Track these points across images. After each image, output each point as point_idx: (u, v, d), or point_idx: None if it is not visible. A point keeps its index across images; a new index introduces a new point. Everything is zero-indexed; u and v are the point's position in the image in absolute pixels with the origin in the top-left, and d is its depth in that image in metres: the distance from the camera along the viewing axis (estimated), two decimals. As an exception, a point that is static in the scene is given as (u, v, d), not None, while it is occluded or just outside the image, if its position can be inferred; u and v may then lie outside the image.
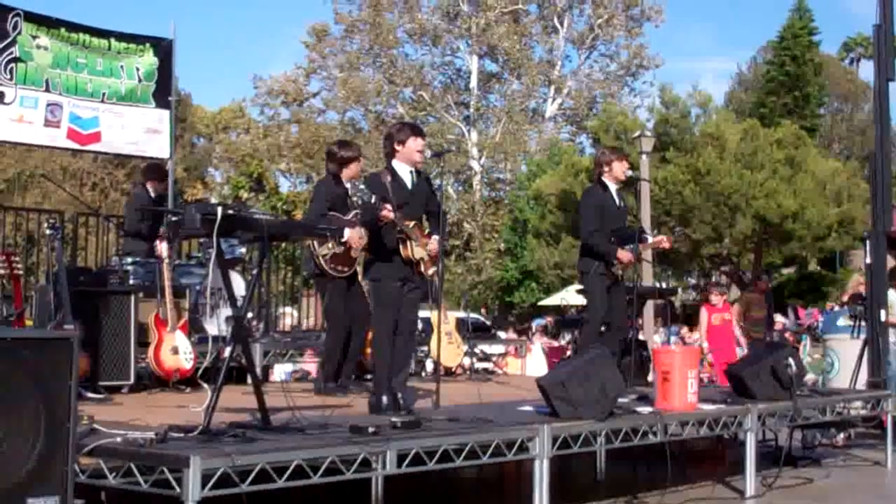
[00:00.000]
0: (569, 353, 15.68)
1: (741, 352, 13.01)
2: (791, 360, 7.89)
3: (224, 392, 5.31)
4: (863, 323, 10.46)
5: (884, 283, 10.18)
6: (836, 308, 24.65)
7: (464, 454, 5.50)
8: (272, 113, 43.89)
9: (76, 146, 10.63)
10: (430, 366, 10.69)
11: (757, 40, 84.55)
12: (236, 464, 4.45)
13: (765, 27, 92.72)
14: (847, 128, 49.17)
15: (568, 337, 18.57)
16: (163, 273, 8.31)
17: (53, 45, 9.92)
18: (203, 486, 4.32)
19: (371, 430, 5.26)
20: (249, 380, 6.32)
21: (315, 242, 7.95)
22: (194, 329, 8.93)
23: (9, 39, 9.57)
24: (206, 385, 5.65)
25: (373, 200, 6.50)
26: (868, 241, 10.18)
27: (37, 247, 12.79)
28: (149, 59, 10.66)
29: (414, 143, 6.88)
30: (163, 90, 10.74)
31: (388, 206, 6.55)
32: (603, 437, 6.34)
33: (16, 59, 9.61)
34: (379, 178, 6.83)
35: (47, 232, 7.48)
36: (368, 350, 8.06)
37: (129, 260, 9.50)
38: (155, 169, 10.73)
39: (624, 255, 8.36)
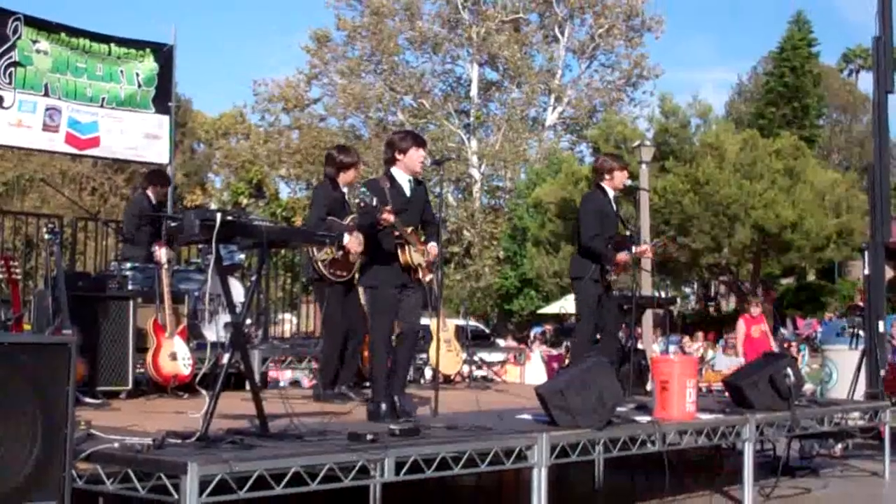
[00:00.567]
0: (567, 361, 15.67)
1: None
2: (789, 371, 7.88)
3: (222, 398, 5.30)
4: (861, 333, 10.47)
5: (882, 293, 10.19)
6: (835, 318, 24.67)
7: (462, 462, 5.48)
8: (273, 119, 43.92)
9: (74, 151, 10.65)
10: (428, 373, 10.67)
11: (757, 51, 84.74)
12: (234, 470, 4.44)
13: (765, 38, 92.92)
14: (846, 139, 49.25)
15: (567, 345, 18.55)
16: (161, 279, 8.29)
17: (53, 49, 9.93)
18: (201, 493, 4.31)
19: (369, 437, 5.25)
20: (248, 386, 6.31)
21: (314, 247, 7.94)
22: (193, 335, 8.91)
23: (9, 43, 9.57)
24: (204, 391, 5.63)
25: (374, 203, 6.50)
26: (866, 252, 10.19)
27: (35, 251, 12.78)
28: (149, 65, 10.67)
29: (416, 154, 6.88)
30: (163, 95, 10.75)
31: (387, 211, 6.55)
32: (601, 445, 6.33)
33: (15, 64, 9.62)
34: (378, 183, 6.83)
35: (46, 236, 7.46)
36: (367, 354, 8.04)
37: (128, 265, 9.47)
38: (157, 175, 10.72)
39: (622, 256, 8.40)
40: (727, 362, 18.79)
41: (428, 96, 41.27)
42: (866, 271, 10.17)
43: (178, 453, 4.63)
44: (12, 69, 9.59)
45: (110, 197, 41.36)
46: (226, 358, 5.54)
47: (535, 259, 32.12)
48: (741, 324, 12.67)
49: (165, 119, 10.78)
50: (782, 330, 23.69)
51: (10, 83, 9.60)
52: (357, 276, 8.14)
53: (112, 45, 10.46)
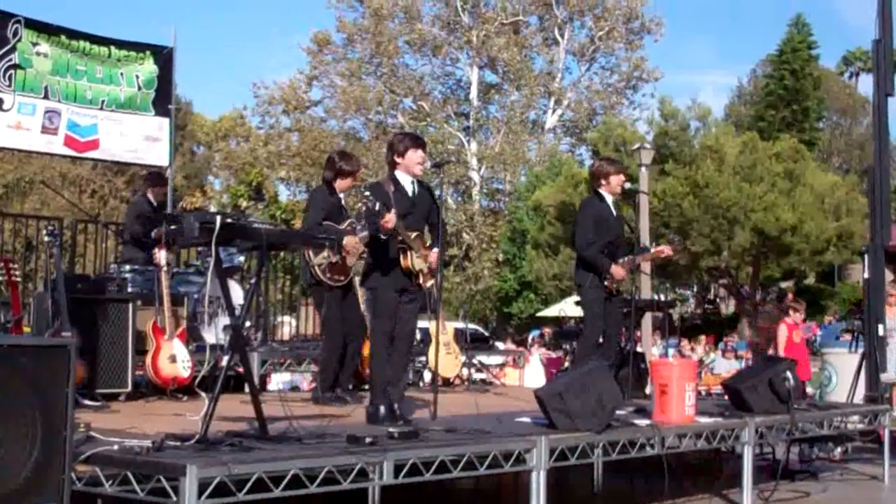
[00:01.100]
0: (566, 364, 15.67)
1: None
2: (789, 374, 7.88)
3: (221, 401, 5.30)
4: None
5: (882, 297, 10.18)
6: (834, 321, 24.66)
7: (461, 465, 5.48)
8: (272, 121, 43.93)
9: (73, 153, 10.65)
10: (427, 376, 10.67)
11: (757, 54, 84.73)
12: (233, 473, 4.44)
13: (764, 41, 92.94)
14: (846, 142, 49.28)
15: (567, 348, 18.54)
16: (161, 281, 8.30)
17: (53, 52, 9.93)
18: (199, 495, 4.31)
19: (368, 440, 5.25)
20: (247, 388, 6.31)
21: (311, 252, 7.94)
22: (192, 337, 8.91)
23: (8, 46, 9.58)
24: (203, 393, 5.63)
25: (377, 208, 6.49)
26: (866, 256, 10.19)
27: (35, 253, 12.79)
28: (149, 67, 10.68)
29: (414, 156, 6.86)
30: (162, 98, 10.75)
31: (390, 216, 6.53)
32: (600, 449, 6.33)
33: (15, 66, 9.62)
34: (381, 186, 6.82)
35: (46, 239, 7.47)
36: (366, 354, 8.05)
37: (128, 268, 9.48)
38: (155, 176, 10.73)
39: (617, 270, 8.36)
40: (726, 365, 18.82)
41: (427, 99, 41.30)
42: (866, 275, 10.16)
43: (178, 455, 4.63)
44: (12, 71, 9.59)
45: (110, 199, 41.34)
46: (225, 360, 5.53)
47: (534, 262, 32.12)
48: (783, 329, 12.57)
49: (165, 121, 10.78)
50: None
51: (9, 85, 9.60)
52: (355, 281, 8.17)
53: (112, 47, 10.47)
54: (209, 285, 9.13)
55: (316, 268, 7.98)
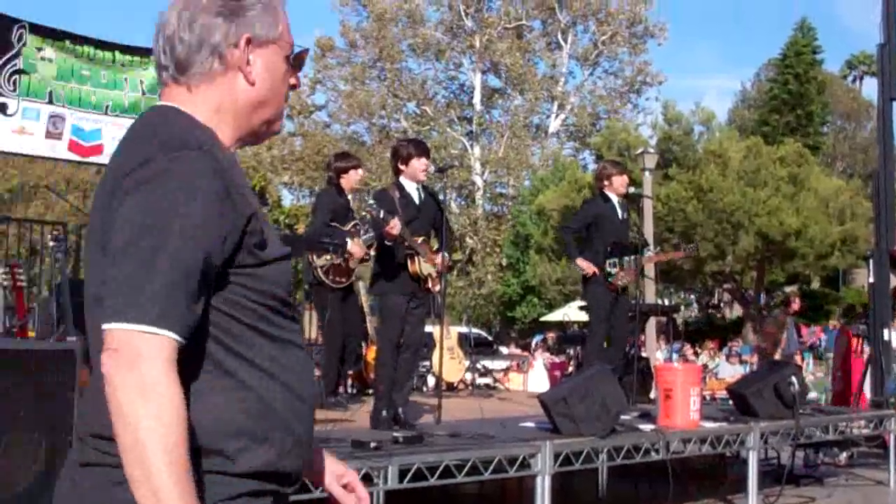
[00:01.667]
0: (570, 369, 15.66)
1: None
2: (794, 379, 7.87)
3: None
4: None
5: (887, 302, 10.16)
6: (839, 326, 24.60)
7: (465, 470, 5.48)
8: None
9: (77, 158, 10.64)
10: (432, 381, 10.67)
11: (760, 58, 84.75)
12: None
13: (768, 45, 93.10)
14: (850, 146, 49.22)
15: (570, 352, 18.54)
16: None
17: (58, 56, 9.94)
18: (204, 500, 4.30)
19: (373, 444, 5.25)
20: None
21: (314, 254, 7.96)
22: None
23: (13, 51, 9.58)
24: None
25: (381, 215, 6.50)
26: (871, 260, 10.18)
27: (40, 258, 12.79)
28: (153, 72, 10.65)
29: (417, 163, 6.87)
30: (167, 103, 10.75)
31: (394, 222, 6.53)
32: (605, 454, 6.32)
33: (20, 71, 9.63)
34: (387, 193, 6.83)
35: (51, 243, 7.48)
36: (371, 358, 8.05)
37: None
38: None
39: (583, 263, 8.40)
40: (731, 370, 18.81)
41: (431, 103, 41.33)
42: (871, 279, 10.15)
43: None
44: (16, 76, 9.60)
45: (114, 204, 41.39)
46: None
47: (537, 266, 32.13)
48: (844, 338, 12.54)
49: (169, 126, 10.78)
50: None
51: (14, 90, 9.61)
52: (359, 284, 8.17)
53: (116, 52, 10.47)
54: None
55: (318, 269, 7.99)
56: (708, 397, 11.73)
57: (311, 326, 13.83)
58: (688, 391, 7.01)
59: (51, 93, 9.90)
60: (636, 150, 23.95)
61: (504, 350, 22.46)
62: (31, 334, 7.90)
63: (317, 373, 9.65)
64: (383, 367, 6.78)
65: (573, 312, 25.83)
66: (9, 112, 9.62)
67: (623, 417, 6.80)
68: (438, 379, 8.10)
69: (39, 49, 9.80)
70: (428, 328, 9.21)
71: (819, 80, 43.41)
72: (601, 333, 8.54)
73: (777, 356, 14.38)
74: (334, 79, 42.47)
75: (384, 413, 6.66)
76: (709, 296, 40.84)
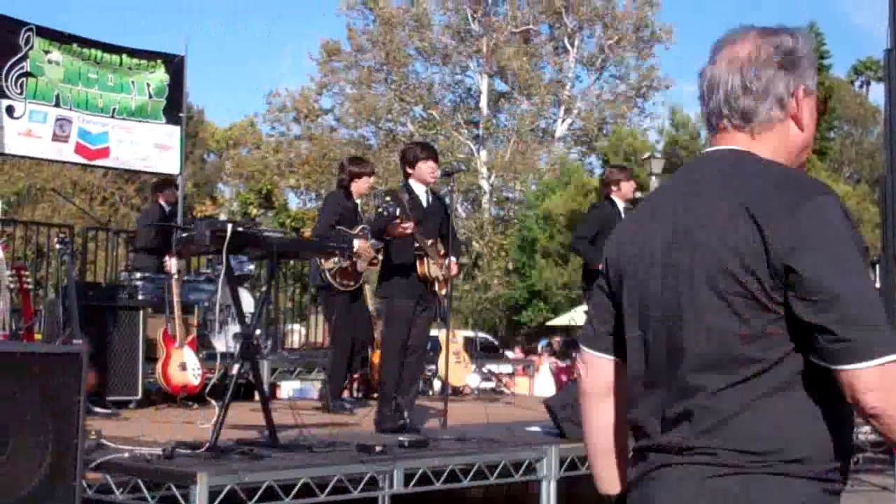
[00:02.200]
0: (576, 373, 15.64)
1: None
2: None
3: (231, 409, 5.30)
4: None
5: (893, 307, 10.13)
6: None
7: (471, 474, 5.48)
8: (283, 129, 44.03)
9: (84, 161, 10.67)
10: (437, 385, 10.67)
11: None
12: (243, 481, 4.44)
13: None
14: (857, 151, 49.11)
15: (575, 356, 18.51)
16: (172, 289, 8.31)
17: (65, 60, 9.96)
18: (210, 503, 4.31)
19: (378, 448, 5.25)
20: (257, 396, 6.31)
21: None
22: (202, 345, 8.92)
23: (21, 54, 9.60)
24: (213, 401, 5.64)
25: (397, 212, 6.50)
26: (878, 265, 10.16)
27: (46, 261, 12.82)
28: (160, 76, 10.69)
29: (425, 166, 6.88)
30: (173, 106, 10.77)
31: (409, 224, 6.53)
32: (611, 458, 6.29)
33: (27, 74, 9.65)
34: (396, 195, 6.83)
35: (57, 246, 7.50)
36: (376, 362, 8.05)
37: (138, 275, 9.50)
38: (164, 183, 10.78)
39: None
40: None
41: (437, 107, 41.34)
42: (878, 284, 10.12)
43: (188, 463, 4.63)
44: (24, 79, 9.62)
45: (121, 207, 41.42)
46: (235, 368, 5.54)
47: (544, 271, 32.10)
48: None
49: (176, 129, 10.79)
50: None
51: (21, 93, 9.63)
52: (367, 287, 8.17)
53: (123, 55, 10.49)
54: (220, 293, 9.15)
55: (326, 272, 7.99)
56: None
57: (318, 329, 13.86)
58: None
59: (58, 96, 9.92)
60: (643, 155, 23.95)
61: (510, 354, 22.45)
62: (38, 337, 7.92)
63: (323, 376, 9.67)
64: (389, 371, 6.78)
65: (579, 317, 25.84)
66: (16, 115, 9.64)
67: (629, 422, 6.78)
68: (444, 383, 8.10)
69: (47, 52, 9.82)
70: (434, 332, 9.23)
71: (826, 86, 43.32)
72: None
73: None
74: (341, 83, 42.52)
75: (390, 417, 6.65)
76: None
